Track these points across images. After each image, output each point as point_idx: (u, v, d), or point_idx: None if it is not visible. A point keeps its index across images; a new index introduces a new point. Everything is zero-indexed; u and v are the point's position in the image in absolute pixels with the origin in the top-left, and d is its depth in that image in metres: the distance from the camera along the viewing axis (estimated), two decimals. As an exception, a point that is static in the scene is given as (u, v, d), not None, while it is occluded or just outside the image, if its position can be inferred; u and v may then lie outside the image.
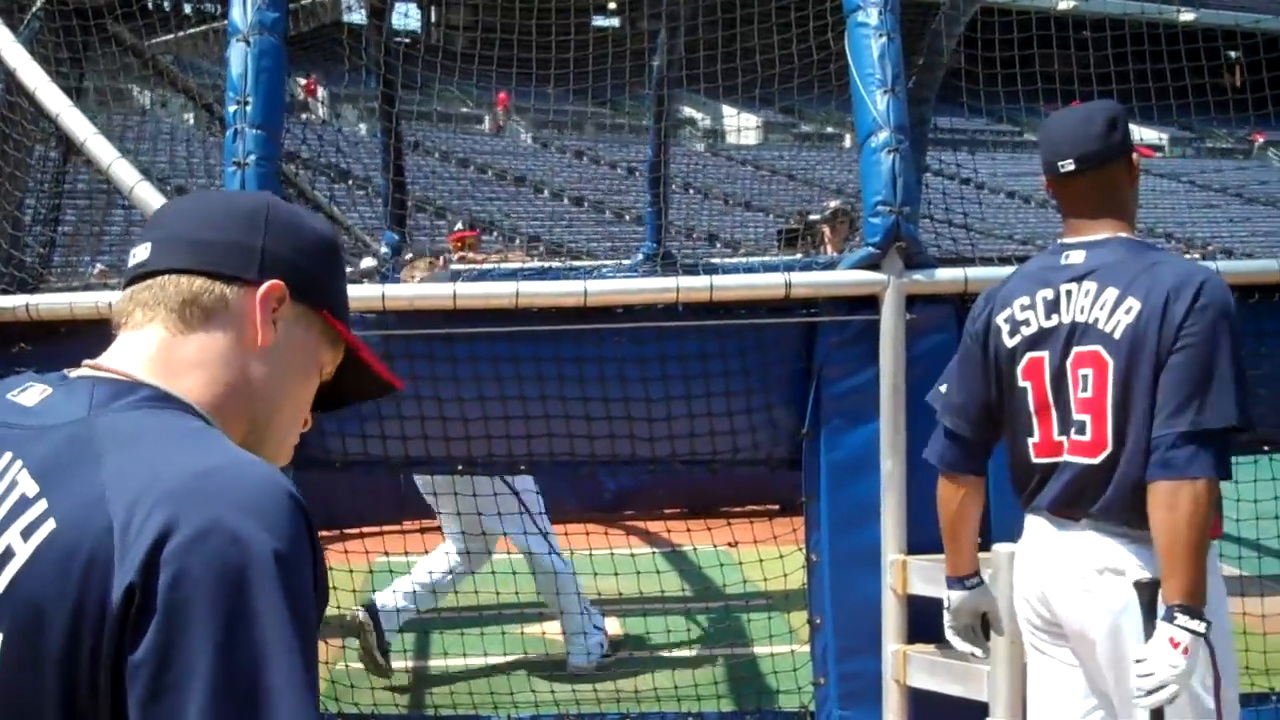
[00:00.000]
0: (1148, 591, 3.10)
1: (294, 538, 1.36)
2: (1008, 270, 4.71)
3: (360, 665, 5.73)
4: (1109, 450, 3.19)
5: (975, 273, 4.58)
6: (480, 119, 37.18)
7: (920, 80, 9.03)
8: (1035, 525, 3.43)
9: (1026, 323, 3.36)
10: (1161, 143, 39.55)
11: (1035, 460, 3.37)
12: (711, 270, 7.20)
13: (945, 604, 3.66)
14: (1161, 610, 3.05)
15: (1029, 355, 3.34)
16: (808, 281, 4.61)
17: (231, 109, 4.53)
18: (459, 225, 9.44)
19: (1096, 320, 3.21)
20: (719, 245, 24.33)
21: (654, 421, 4.59)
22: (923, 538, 4.49)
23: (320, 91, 28.82)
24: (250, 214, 1.59)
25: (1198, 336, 3.07)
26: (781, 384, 4.61)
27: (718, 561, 6.11)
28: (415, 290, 4.66)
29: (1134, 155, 3.37)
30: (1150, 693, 3.05)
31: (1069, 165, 3.31)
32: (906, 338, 4.49)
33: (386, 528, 6.58)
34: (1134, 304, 3.15)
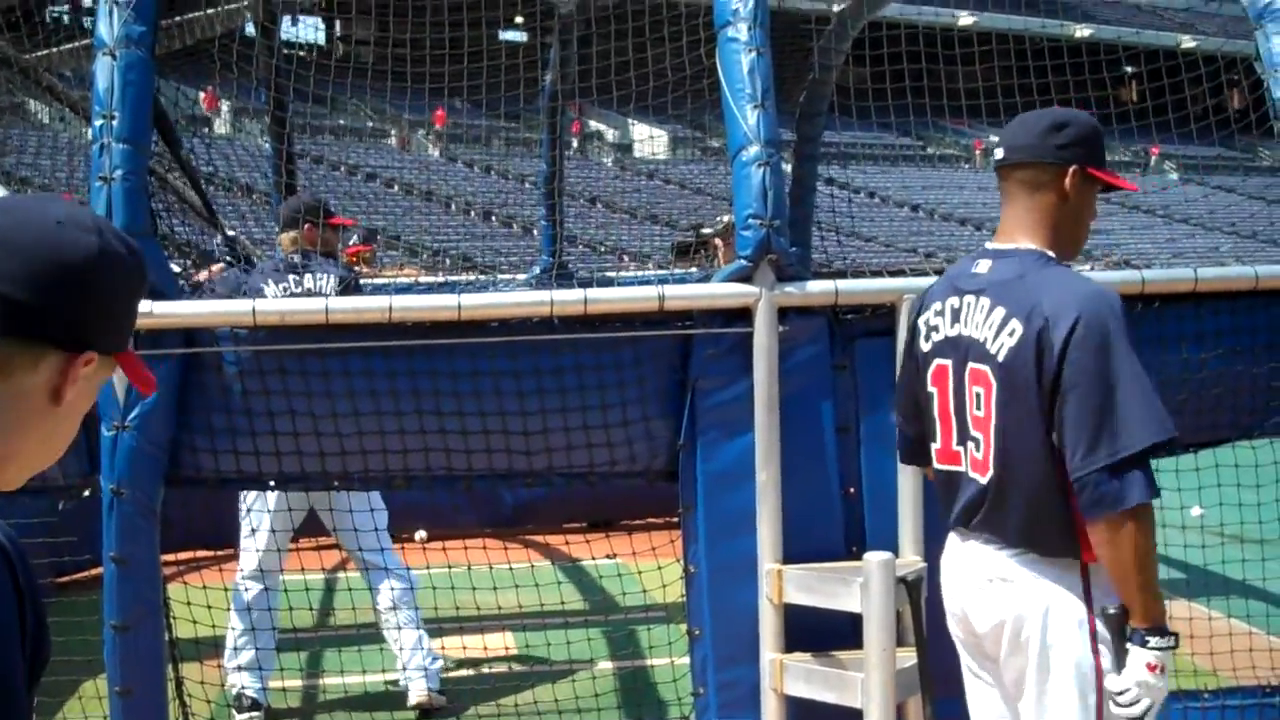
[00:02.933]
0: (1115, 622, 3.11)
1: None
2: (880, 284, 4.80)
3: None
4: (993, 473, 3.22)
5: (846, 285, 4.64)
6: (387, 134, 36.99)
7: (811, 94, 9.14)
8: (949, 539, 3.46)
9: (936, 329, 3.38)
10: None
11: (936, 465, 3.42)
12: (605, 283, 7.22)
13: None
14: (1131, 634, 3.08)
15: (936, 361, 3.37)
16: (681, 294, 4.64)
17: (98, 123, 4.47)
18: (354, 239, 9.34)
19: (985, 339, 3.21)
20: (624, 259, 24.38)
21: (530, 435, 4.59)
22: (798, 547, 4.54)
23: (222, 105, 28.51)
24: (81, 275, 1.53)
25: (1087, 369, 3.01)
26: (658, 396, 4.63)
27: (616, 573, 6.14)
28: (287, 305, 4.62)
29: (1075, 169, 3.23)
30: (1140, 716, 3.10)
31: (1000, 153, 3.31)
32: (780, 350, 4.53)
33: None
34: (1016, 327, 3.13)
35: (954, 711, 4.44)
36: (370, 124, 35.27)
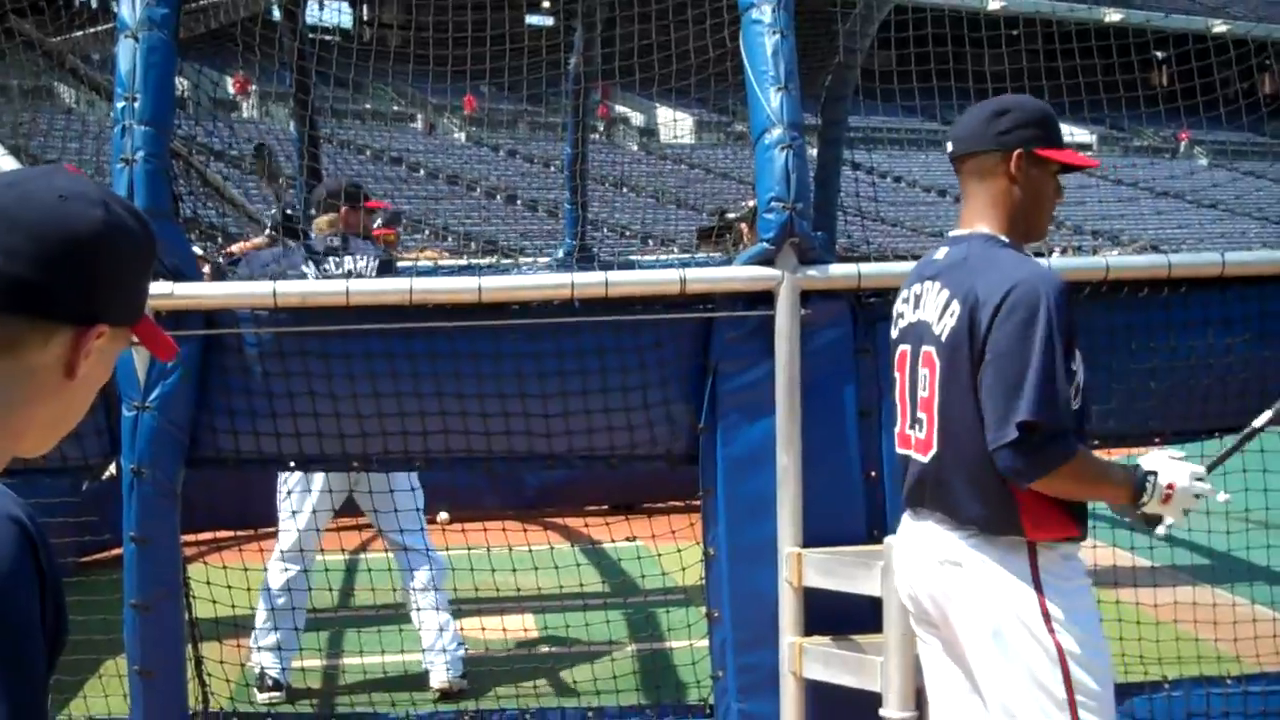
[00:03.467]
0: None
1: (6, 566, 1.33)
2: (902, 267, 4.77)
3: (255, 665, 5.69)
4: (935, 450, 3.27)
5: (869, 269, 4.62)
6: (413, 117, 37.02)
7: (836, 78, 9.10)
8: (902, 520, 3.52)
9: (902, 315, 3.47)
10: (1090, 141, 40.00)
11: (897, 449, 3.48)
12: (628, 266, 7.21)
13: None
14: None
15: (900, 348, 3.45)
16: (703, 277, 4.63)
17: (120, 105, 4.47)
18: (378, 222, 9.36)
19: (932, 322, 3.28)
20: (649, 243, 24.36)
21: (551, 417, 4.59)
22: (818, 531, 4.52)
23: (253, 89, 28.59)
24: (89, 251, 1.51)
25: (1003, 345, 3.08)
26: (679, 379, 4.61)
27: (636, 556, 6.15)
28: (308, 287, 4.63)
29: (1019, 153, 3.25)
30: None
31: (949, 145, 3.38)
32: (801, 333, 4.51)
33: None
34: (956, 308, 3.20)
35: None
36: (396, 108, 35.30)
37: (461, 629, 6.01)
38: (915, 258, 4.82)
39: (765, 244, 4.50)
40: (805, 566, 4.48)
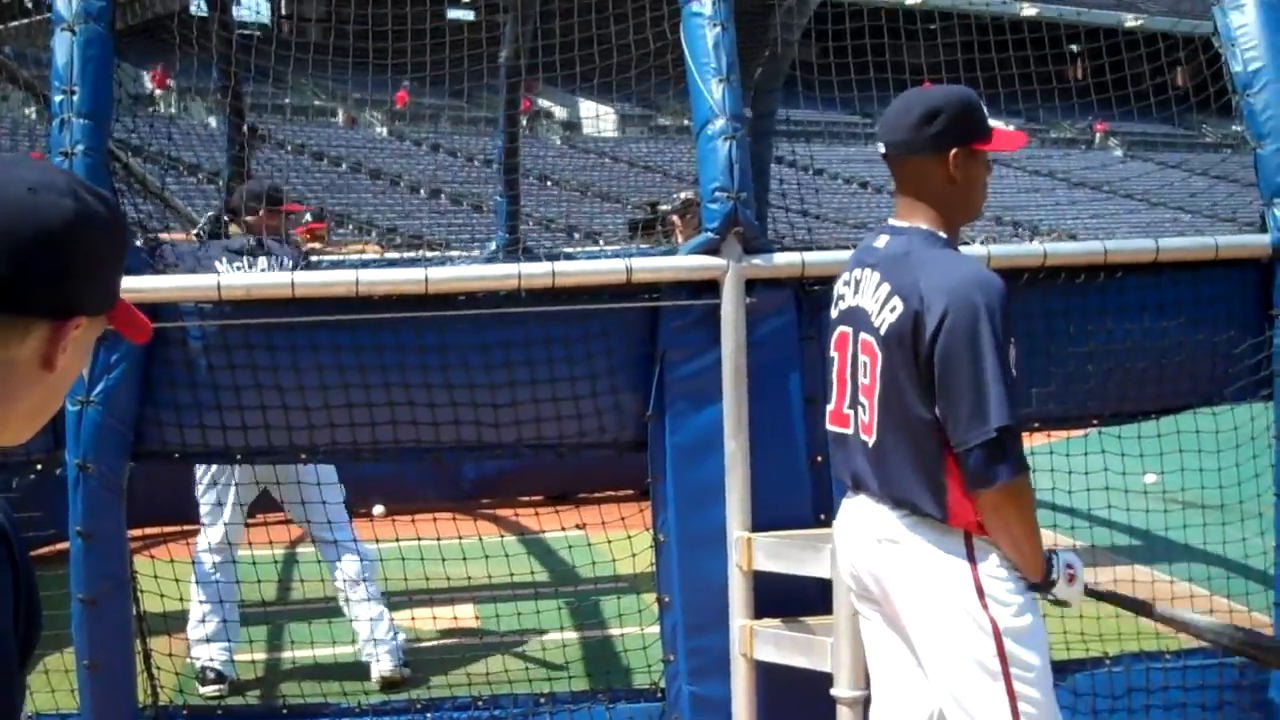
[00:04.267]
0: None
1: None
2: (845, 256, 4.84)
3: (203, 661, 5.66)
4: (876, 437, 3.36)
5: (812, 258, 4.67)
6: (334, 112, 36.71)
7: (767, 70, 9.17)
8: (843, 501, 3.61)
9: (843, 297, 3.54)
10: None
11: (829, 426, 3.58)
12: (566, 259, 7.23)
13: None
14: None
15: (839, 329, 3.53)
16: (648, 266, 4.66)
17: (58, 99, 4.42)
18: (306, 216, 9.31)
19: (871, 312, 3.35)
20: (577, 236, 24.37)
21: (499, 407, 4.60)
22: (767, 516, 4.58)
23: (171, 84, 28.17)
24: (61, 243, 1.48)
25: (957, 355, 3.15)
26: (626, 368, 4.65)
27: (569, 545, 6.16)
28: (252, 279, 4.62)
29: (956, 152, 3.31)
30: None
31: (881, 149, 3.44)
32: (747, 321, 4.56)
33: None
34: (897, 304, 3.27)
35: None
36: (317, 102, 34.98)
37: (413, 619, 6.00)
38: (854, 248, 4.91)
39: (710, 233, 4.55)
40: (754, 550, 4.53)
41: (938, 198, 3.37)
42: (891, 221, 3.48)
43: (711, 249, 4.56)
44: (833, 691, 4.27)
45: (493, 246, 10.28)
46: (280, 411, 4.55)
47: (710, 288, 4.57)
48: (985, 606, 3.23)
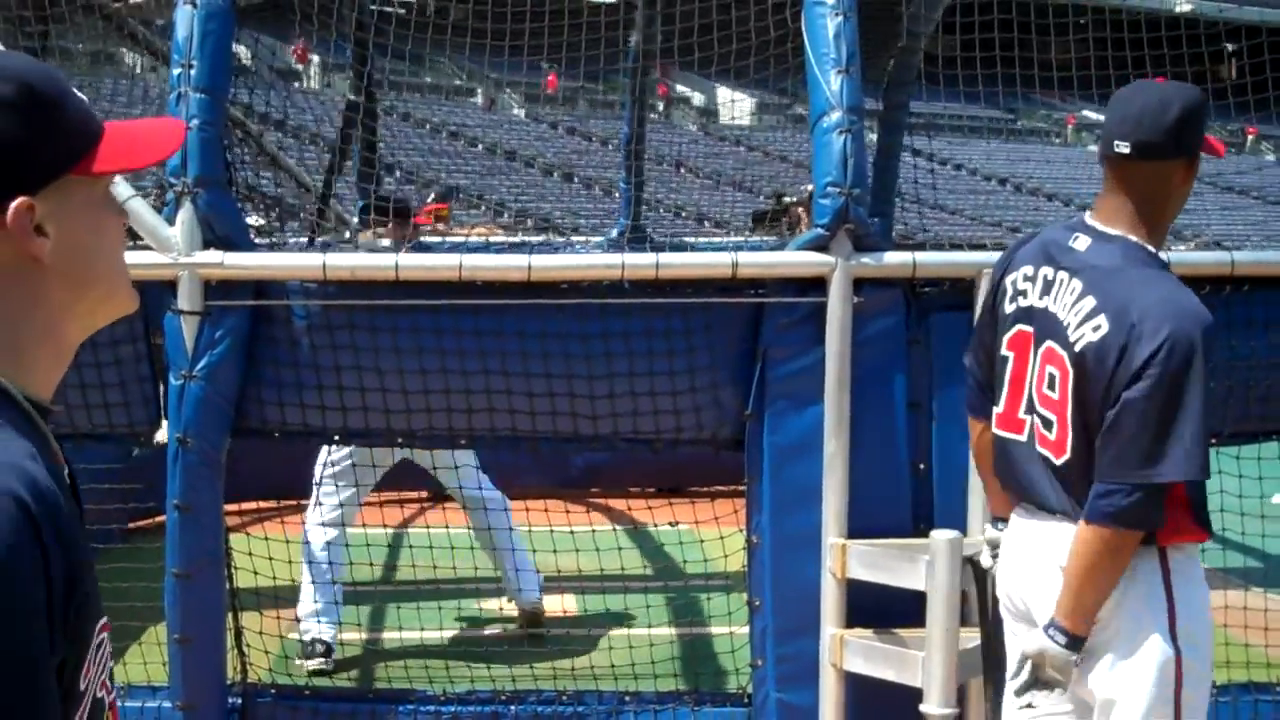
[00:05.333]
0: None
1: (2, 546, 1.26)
2: (958, 257, 4.71)
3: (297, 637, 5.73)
4: (1068, 457, 3.16)
5: (924, 258, 4.54)
6: (473, 92, 37.04)
7: (899, 62, 8.98)
8: (1013, 516, 3.41)
9: (1024, 294, 3.30)
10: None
11: (995, 429, 3.37)
12: (682, 248, 7.15)
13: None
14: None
15: (1017, 327, 3.30)
16: (755, 262, 4.57)
17: (176, 72, 4.46)
18: (430, 198, 9.36)
19: (1068, 324, 3.14)
20: (707, 224, 24.27)
21: (597, 399, 4.55)
22: (863, 522, 4.47)
23: (314, 60, 28.67)
24: None
25: (1159, 386, 2.97)
26: (727, 364, 4.56)
27: (677, 540, 6.10)
28: (357, 260, 4.60)
29: (1195, 160, 3.19)
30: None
31: (1124, 148, 3.14)
32: (854, 321, 4.44)
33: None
34: (1102, 323, 3.06)
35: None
36: (457, 82, 35.33)
37: (500, 609, 5.96)
38: (975, 246, 4.75)
39: (820, 229, 4.44)
40: (849, 558, 4.42)
41: (1160, 205, 3.18)
42: (1091, 222, 3.24)
43: (820, 245, 4.45)
44: (922, 708, 4.15)
45: (614, 233, 10.24)
46: (379, 394, 4.56)
47: (817, 285, 4.46)
48: (1175, 641, 3.09)
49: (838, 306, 4.43)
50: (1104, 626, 3.14)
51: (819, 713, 4.49)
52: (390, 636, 6.07)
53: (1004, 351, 3.33)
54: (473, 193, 27.29)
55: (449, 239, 9.28)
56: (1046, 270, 3.24)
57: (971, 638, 4.23)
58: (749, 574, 4.62)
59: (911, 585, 4.24)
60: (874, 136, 8.64)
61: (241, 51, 5.96)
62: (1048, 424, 3.19)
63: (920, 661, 4.19)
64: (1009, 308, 3.33)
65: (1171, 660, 3.09)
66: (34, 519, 1.29)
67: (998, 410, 3.36)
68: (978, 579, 4.20)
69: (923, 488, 4.54)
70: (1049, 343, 3.18)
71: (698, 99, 40.79)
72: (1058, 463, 3.19)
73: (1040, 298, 3.24)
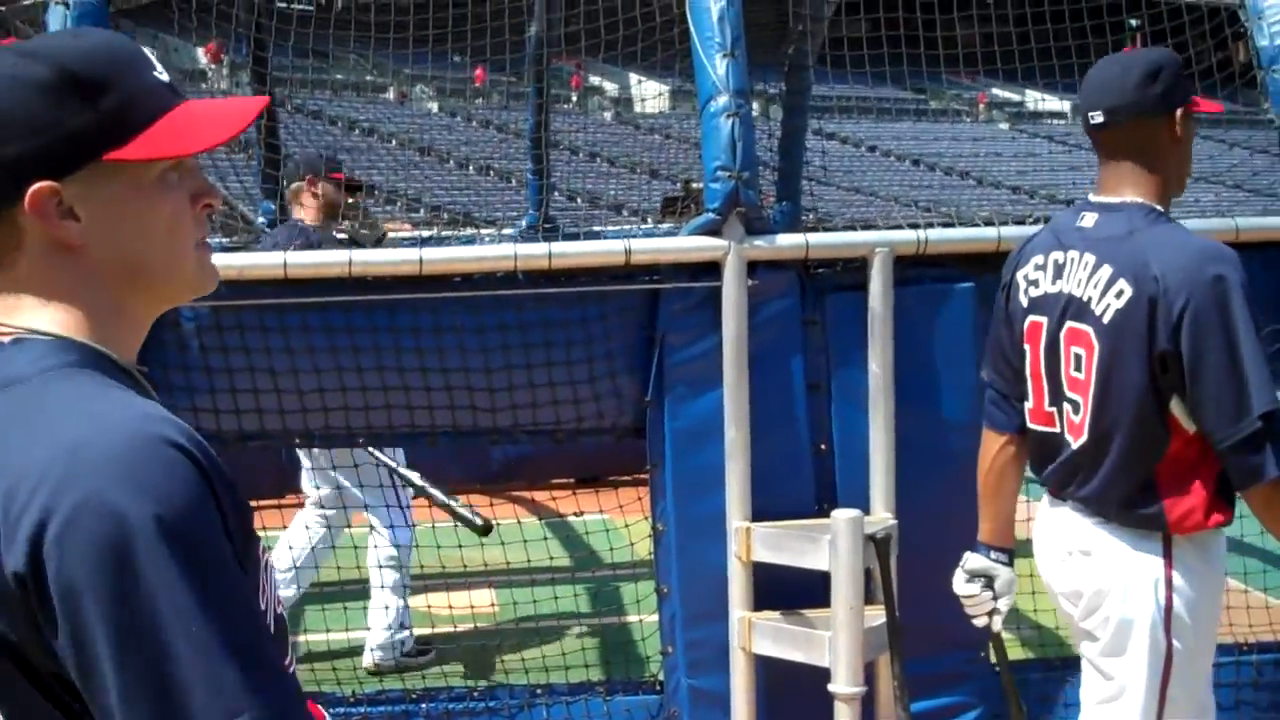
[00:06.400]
0: None
1: (179, 494, 1.26)
2: (851, 237, 4.71)
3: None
4: (1086, 438, 3.16)
5: (816, 239, 4.54)
6: (385, 88, 36.72)
7: (798, 47, 8.99)
8: (1041, 503, 3.44)
9: (1036, 283, 3.30)
10: (1064, 109, 39.93)
11: (1030, 425, 3.36)
12: (592, 238, 7.11)
13: (961, 563, 3.60)
14: None
15: (1030, 318, 3.30)
16: (648, 249, 4.55)
17: (49, 74, 4.36)
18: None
19: (1089, 299, 3.12)
20: (625, 212, 24.26)
21: (495, 392, 4.51)
22: (768, 505, 4.47)
23: (225, 58, 28.29)
24: None
25: (1205, 340, 2.95)
26: (625, 352, 4.54)
27: (595, 529, 6.08)
28: (244, 260, 4.53)
29: (1180, 111, 3.16)
30: None
31: (1097, 117, 3.17)
32: (749, 304, 4.43)
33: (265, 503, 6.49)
34: (1124, 288, 3.05)
35: (924, 670, 4.40)
36: (369, 78, 35.02)
37: (428, 606, 5.91)
38: (865, 227, 4.76)
39: (711, 214, 4.42)
40: (754, 541, 4.42)
41: (1159, 163, 3.17)
42: (1095, 198, 3.24)
43: (713, 230, 4.44)
44: (830, 687, 4.16)
45: (524, 225, 10.18)
46: (274, 395, 4.49)
47: (711, 270, 4.45)
48: (1169, 631, 3.11)
49: (732, 290, 4.42)
50: (1100, 608, 3.18)
51: (730, 697, 4.48)
52: (297, 640, 6.00)
53: (1022, 345, 3.34)
54: (387, 189, 27.07)
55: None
56: (1056, 255, 3.24)
57: (877, 616, 4.26)
58: (656, 561, 4.61)
59: (815, 566, 4.25)
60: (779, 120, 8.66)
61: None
62: (1075, 407, 3.19)
63: (827, 641, 4.20)
64: (1023, 301, 3.33)
65: (1162, 653, 3.12)
66: (200, 463, 1.29)
67: (1029, 406, 3.35)
68: (880, 557, 4.23)
69: (824, 468, 4.55)
70: (1070, 324, 3.17)
71: (611, 88, 40.75)
72: (1077, 446, 3.19)
73: (1053, 283, 3.23)
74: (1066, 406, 3.21)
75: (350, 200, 9.74)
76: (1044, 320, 3.24)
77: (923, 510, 4.44)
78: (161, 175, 1.48)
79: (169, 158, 1.48)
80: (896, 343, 4.43)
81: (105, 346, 1.46)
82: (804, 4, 7.35)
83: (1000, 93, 40.28)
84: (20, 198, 1.40)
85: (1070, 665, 4.78)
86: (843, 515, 4.17)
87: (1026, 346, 3.31)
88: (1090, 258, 3.13)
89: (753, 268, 4.44)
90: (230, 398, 4.47)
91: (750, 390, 4.44)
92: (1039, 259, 3.29)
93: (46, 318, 1.44)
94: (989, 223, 4.65)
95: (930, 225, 4.56)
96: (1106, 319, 3.07)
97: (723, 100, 4.42)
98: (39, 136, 1.40)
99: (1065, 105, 39.85)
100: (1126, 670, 3.18)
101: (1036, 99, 38.42)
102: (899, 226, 4.61)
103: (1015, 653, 5.06)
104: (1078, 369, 3.16)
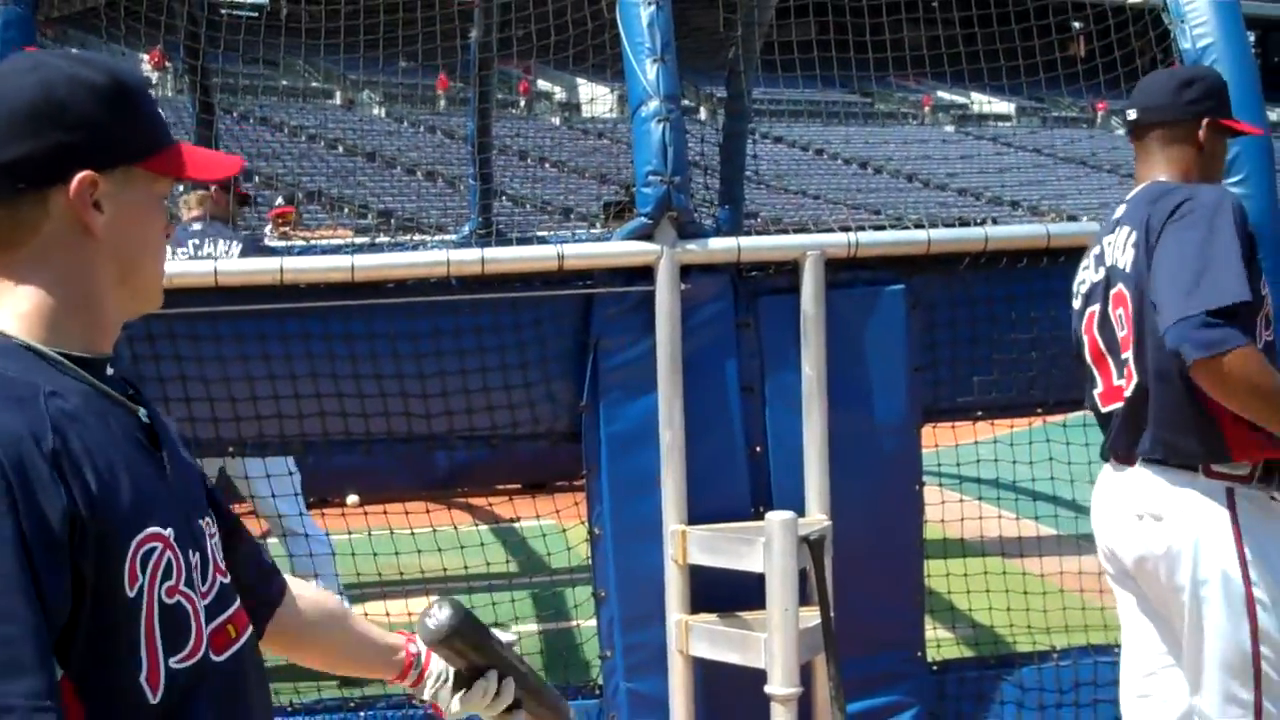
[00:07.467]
0: None
1: None
2: (782, 240, 4.75)
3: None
4: (1135, 382, 3.30)
5: (748, 242, 4.57)
6: (331, 94, 36.57)
7: (738, 52, 9.02)
8: (1102, 472, 3.53)
9: (1084, 281, 3.54)
10: (1009, 111, 40.28)
11: (1104, 409, 3.46)
12: (505, 243, 7.13)
13: None
14: None
15: (1087, 310, 3.50)
16: (581, 254, 4.56)
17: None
18: (278, 201, 9.22)
19: (1118, 261, 3.35)
20: (572, 218, 24.26)
21: (430, 398, 4.50)
22: (704, 508, 4.48)
23: (169, 65, 28.05)
24: (29, 112, 1.55)
25: (1186, 235, 3.12)
26: (559, 357, 4.54)
27: (539, 535, 6.08)
28: (174, 268, 4.49)
29: (1206, 121, 3.43)
30: None
31: (1132, 114, 3.50)
32: (682, 308, 4.45)
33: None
34: (1133, 234, 3.29)
35: (860, 671, 4.43)
36: (315, 84, 34.86)
37: (365, 614, 5.87)
38: (797, 230, 4.80)
39: (643, 218, 4.44)
40: (690, 544, 4.43)
41: (1182, 165, 3.43)
42: (1130, 193, 3.49)
43: (646, 234, 4.45)
44: (767, 689, 4.17)
45: (466, 230, 10.18)
46: (206, 404, 4.45)
47: (644, 274, 4.46)
48: (1248, 579, 3.19)
49: (665, 294, 4.43)
50: (1177, 570, 3.24)
51: (668, 700, 4.49)
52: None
53: (1082, 337, 3.52)
54: (333, 194, 26.95)
55: (299, 243, 9.15)
56: (1096, 248, 3.49)
57: (812, 617, 4.28)
58: (593, 565, 4.61)
59: (751, 568, 4.26)
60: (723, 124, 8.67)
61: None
62: (1122, 366, 3.34)
63: (762, 643, 4.22)
64: (1077, 303, 3.57)
65: (1242, 598, 3.19)
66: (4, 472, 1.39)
67: (1099, 391, 3.48)
68: (815, 558, 4.25)
69: (759, 470, 4.57)
70: (1113, 290, 3.36)
71: (559, 94, 40.74)
72: (1129, 395, 3.32)
73: (1096, 271, 3.46)
74: (1123, 370, 3.36)
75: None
76: (1096, 308, 3.45)
77: (857, 511, 4.46)
78: (160, 195, 1.68)
79: (191, 179, 1.70)
80: (829, 345, 4.46)
81: (65, 335, 1.58)
82: (738, 9, 7.40)
83: (946, 95, 40.61)
84: (61, 181, 1.55)
85: (1006, 663, 4.84)
86: (777, 517, 4.19)
87: (1085, 338, 3.50)
88: (1123, 229, 3.39)
89: (686, 272, 4.46)
90: (163, 407, 4.42)
91: (685, 394, 4.46)
92: (1085, 260, 3.58)
93: (8, 311, 1.57)
94: (919, 225, 4.69)
95: (861, 228, 4.60)
96: (1128, 269, 3.30)
97: (654, 105, 4.44)
98: (90, 132, 1.57)
99: (1010, 107, 40.22)
100: (1211, 627, 3.23)
101: (982, 101, 38.75)
102: (830, 230, 4.64)
103: (951, 651, 5.09)
104: (1123, 328, 3.35)
